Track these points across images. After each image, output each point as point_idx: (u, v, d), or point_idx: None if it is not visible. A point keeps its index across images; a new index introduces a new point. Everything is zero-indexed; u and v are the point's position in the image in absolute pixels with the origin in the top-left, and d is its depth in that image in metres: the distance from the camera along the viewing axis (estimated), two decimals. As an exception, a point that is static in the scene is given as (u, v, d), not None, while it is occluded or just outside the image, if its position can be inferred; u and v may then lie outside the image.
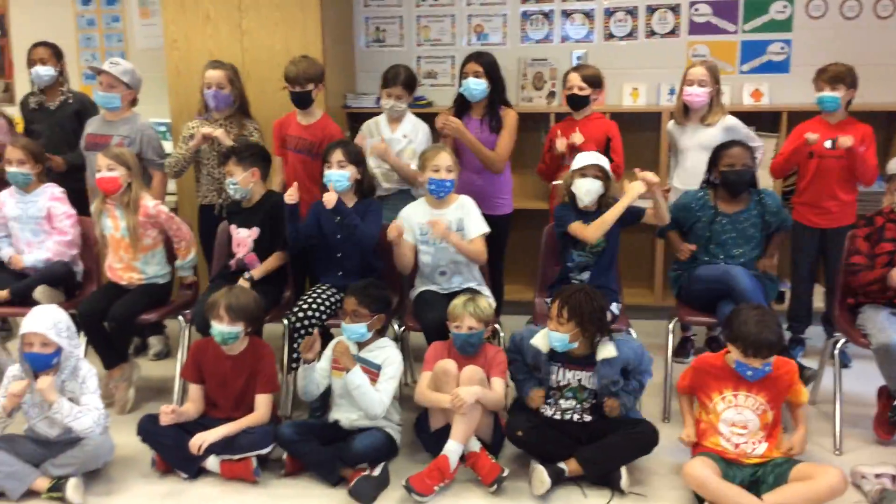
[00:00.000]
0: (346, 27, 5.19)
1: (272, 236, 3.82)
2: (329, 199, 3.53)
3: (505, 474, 3.04)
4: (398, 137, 4.12)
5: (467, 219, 3.66)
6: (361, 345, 3.32)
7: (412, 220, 3.70)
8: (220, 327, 3.18)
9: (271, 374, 3.29)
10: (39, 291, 3.76)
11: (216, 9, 4.60)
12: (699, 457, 2.95)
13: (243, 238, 3.82)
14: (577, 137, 3.94)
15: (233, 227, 3.86)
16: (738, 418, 2.99)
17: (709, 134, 4.05)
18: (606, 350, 3.13)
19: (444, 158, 3.60)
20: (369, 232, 3.65)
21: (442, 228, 3.52)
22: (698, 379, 3.12)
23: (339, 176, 3.64)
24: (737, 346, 2.92)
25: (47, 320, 3.04)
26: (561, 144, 4.00)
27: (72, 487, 3.02)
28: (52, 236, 3.97)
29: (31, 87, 4.61)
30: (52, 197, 4.01)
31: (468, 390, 3.08)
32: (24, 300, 3.74)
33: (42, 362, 3.04)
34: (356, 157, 3.71)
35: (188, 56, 4.65)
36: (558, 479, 3.03)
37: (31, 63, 4.50)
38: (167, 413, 3.14)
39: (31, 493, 3.05)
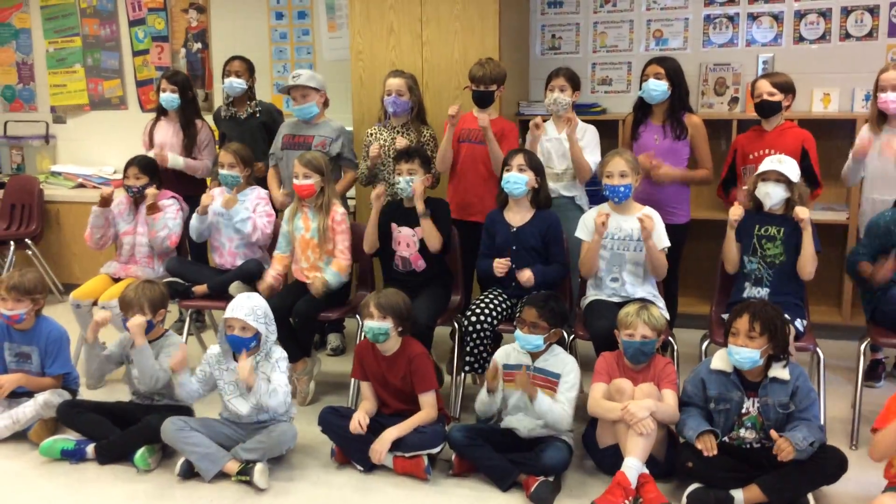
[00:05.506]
0: (523, 35, 5.23)
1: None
2: (526, 279, 3.63)
3: None
4: (563, 137, 4.09)
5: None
6: (535, 355, 3.34)
7: (595, 223, 3.66)
8: (370, 323, 3.30)
9: (426, 372, 3.35)
10: (234, 287, 4.03)
11: (399, 21, 4.77)
12: (890, 491, 2.75)
13: (407, 237, 3.94)
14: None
15: (393, 224, 3.98)
16: None
17: None
18: (779, 371, 2.99)
19: (617, 164, 3.59)
20: (561, 275, 3.78)
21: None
22: None
23: (517, 179, 3.70)
24: None
25: (246, 307, 3.28)
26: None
27: (258, 472, 3.21)
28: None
29: (223, 96, 4.94)
30: (257, 197, 4.31)
31: (640, 404, 3.03)
32: (220, 294, 4.05)
33: (241, 344, 3.28)
34: (536, 165, 3.76)
35: (371, 66, 4.85)
36: None
37: (226, 74, 4.82)
38: (356, 428, 3.27)
39: (222, 475, 3.28)
